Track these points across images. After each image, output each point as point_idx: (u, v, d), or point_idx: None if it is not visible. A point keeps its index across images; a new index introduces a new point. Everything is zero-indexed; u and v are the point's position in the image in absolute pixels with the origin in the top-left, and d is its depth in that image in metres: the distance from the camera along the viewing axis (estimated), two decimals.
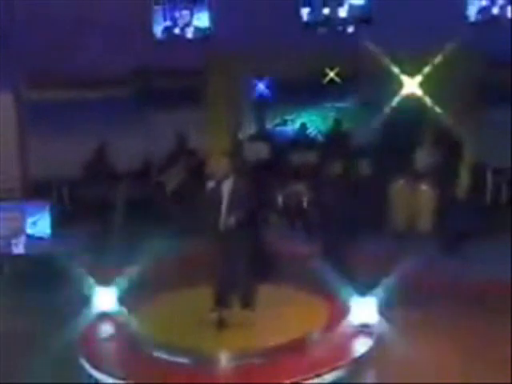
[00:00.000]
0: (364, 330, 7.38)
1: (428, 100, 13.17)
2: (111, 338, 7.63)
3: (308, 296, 8.23)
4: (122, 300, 8.03)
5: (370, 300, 7.54)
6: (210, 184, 7.82)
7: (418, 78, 13.29)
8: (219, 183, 7.73)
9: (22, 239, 9.08)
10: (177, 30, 11.11)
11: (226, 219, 7.58)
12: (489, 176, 11.80)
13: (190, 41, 11.39)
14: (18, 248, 9.05)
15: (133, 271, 8.23)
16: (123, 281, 8.13)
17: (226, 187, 7.70)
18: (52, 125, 12.43)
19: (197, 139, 12.78)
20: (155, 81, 13.56)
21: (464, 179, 11.06)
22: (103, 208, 11.14)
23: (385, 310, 7.53)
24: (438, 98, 12.91)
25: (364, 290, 7.62)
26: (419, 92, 13.36)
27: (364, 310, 7.50)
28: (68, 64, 11.76)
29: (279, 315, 7.65)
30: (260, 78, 14.51)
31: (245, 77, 14.33)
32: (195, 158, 12.56)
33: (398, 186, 11.15)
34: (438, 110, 12.72)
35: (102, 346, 7.61)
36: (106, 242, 10.85)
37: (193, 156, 12.71)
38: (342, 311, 7.58)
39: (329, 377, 6.56)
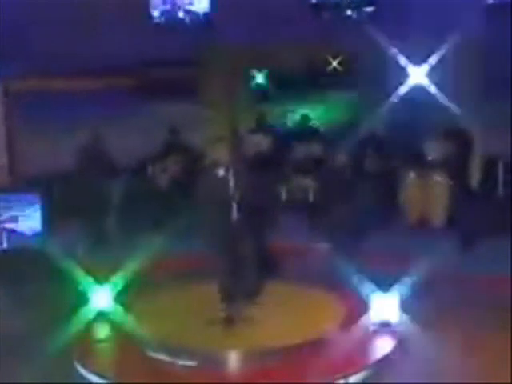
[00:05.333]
0: (385, 329, 6.86)
1: (435, 90, 12.80)
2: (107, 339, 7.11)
3: (319, 292, 7.70)
4: (118, 299, 7.48)
5: (390, 296, 6.99)
6: (210, 177, 7.41)
7: (426, 68, 12.89)
8: (220, 177, 7.28)
9: (10, 234, 8.55)
10: (175, 14, 10.61)
11: (231, 214, 7.18)
12: (500, 169, 11.42)
13: (187, 28, 10.96)
14: (5, 243, 8.54)
15: (130, 269, 7.68)
16: (120, 279, 7.59)
17: (229, 181, 7.24)
18: (45, 117, 11.96)
19: (192, 132, 12.38)
20: (151, 71, 13.22)
21: (475, 172, 10.80)
22: (98, 203, 10.63)
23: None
24: (446, 88, 12.53)
25: (378, 286, 7.12)
26: (426, 82, 12.96)
27: (384, 307, 6.96)
28: (61, 53, 11.34)
29: (291, 313, 7.14)
30: (259, 69, 14.16)
31: (244, 68, 14.01)
32: (188, 153, 12.16)
33: (409, 179, 10.70)
34: (446, 101, 12.30)
35: (97, 347, 7.07)
36: (101, 238, 10.44)
37: (186, 151, 12.29)
38: (359, 308, 7.06)
39: (352, 379, 6.05)
